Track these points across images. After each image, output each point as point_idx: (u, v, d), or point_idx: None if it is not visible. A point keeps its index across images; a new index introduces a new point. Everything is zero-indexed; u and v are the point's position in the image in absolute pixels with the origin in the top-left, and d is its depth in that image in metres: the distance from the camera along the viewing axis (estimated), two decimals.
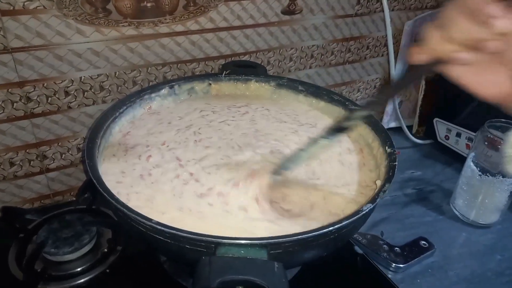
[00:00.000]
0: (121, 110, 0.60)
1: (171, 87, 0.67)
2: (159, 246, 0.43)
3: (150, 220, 0.40)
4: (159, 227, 0.40)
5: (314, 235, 0.40)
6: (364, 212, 0.42)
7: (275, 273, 0.37)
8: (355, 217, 0.42)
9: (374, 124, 0.60)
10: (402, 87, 0.47)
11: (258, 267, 0.37)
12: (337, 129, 0.46)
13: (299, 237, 0.39)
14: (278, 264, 0.37)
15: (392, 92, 0.52)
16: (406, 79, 0.49)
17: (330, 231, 0.40)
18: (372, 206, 0.43)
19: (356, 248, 0.64)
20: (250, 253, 0.38)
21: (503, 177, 0.67)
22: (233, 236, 0.39)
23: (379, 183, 0.50)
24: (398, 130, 0.96)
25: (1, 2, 0.55)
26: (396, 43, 0.89)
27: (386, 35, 0.86)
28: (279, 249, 0.40)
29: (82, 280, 0.55)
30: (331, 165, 0.57)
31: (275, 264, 0.37)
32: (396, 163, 0.50)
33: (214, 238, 0.39)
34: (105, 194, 0.43)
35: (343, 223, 0.41)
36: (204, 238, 0.39)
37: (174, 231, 0.39)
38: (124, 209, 0.41)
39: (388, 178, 0.48)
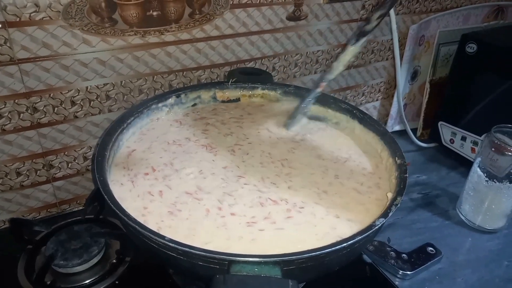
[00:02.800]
0: (129, 121, 0.60)
1: (178, 96, 0.66)
2: (171, 262, 0.43)
3: (163, 237, 0.40)
4: (172, 245, 0.40)
5: (327, 252, 0.40)
6: (377, 227, 0.42)
7: None
8: (368, 232, 0.42)
9: (383, 133, 0.60)
10: None
11: (273, 285, 0.37)
12: (360, 34, 0.56)
13: (312, 254, 0.39)
14: (292, 281, 0.37)
15: None
16: None
17: (344, 247, 0.40)
18: (384, 221, 0.43)
19: (365, 257, 0.64)
20: (263, 271, 0.38)
21: (510, 183, 0.67)
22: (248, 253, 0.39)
23: (390, 195, 0.50)
24: (402, 133, 0.96)
25: (8, 14, 0.54)
26: (401, 46, 0.89)
27: (392, 39, 0.85)
28: (292, 265, 0.40)
29: None
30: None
31: (289, 282, 0.37)
32: (407, 175, 0.50)
33: (227, 255, 0.39)
34: (117, 210, 0.42)
35: (356, 239, 0.41)
36: (217, 255, 0.39)
37: (187, 249, 0.39)
38: (137, 226, 0.41)
39: (400, 191, 0.48)
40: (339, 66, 0.59)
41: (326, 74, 0.61)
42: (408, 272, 0.63)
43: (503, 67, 0.79)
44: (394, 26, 0.84)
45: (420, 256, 0.65)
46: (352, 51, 0.58)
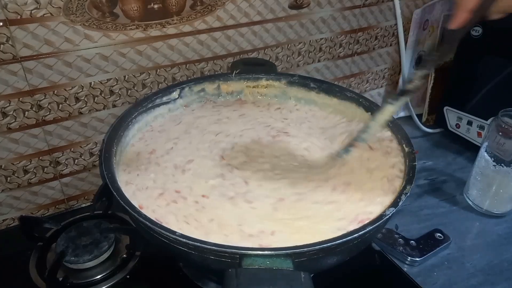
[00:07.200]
0: (134, 116, 0.60)
1: (182, 89, 0.66)
2: (183, 257, 0.44)
3: (174, 232, 0.40)
4: (183, 240, 0.40)
5: (338, 243, 0.40)
6: (387, 217, 0.42)
7: (302, 283, 0.37)
8: (379, 223, 0.42)
9: (391, 121, 0.60)
10: (452, 46, 0.49)
11: (285, 278, 0.37)
12: (401, 93, 0.51)
13: (323, 245, 0.39)
14: (304, 273, 0.37)
15: (446, 50, 0.50)
16: (455, 37, 0.49)
17: (354, 237, 0.40)
18: (394, 210, 0.43)
19: (374, 245, 0.64)
20: (275, 263, 0.38)
21: None
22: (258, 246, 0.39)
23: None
24: (407, 119, 0.95)
25: (9, 11, 0.54)
26: (405, 32, 0.88)
27: (396, 25, 0.84)
28: (304, 257, 0.40)
29: (104, 287, 0.56)
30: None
31: (301, 274, 0.37)
32: (416, 163, 0.50)
33: (239, 249, 0.39)
34: (126, 207, 0.43)
35: (367, 229, 0.41)
36: (228, 249, 0.39)
37: (198, 243, 0.39)
38: (148, 223, 0.41)
39: (409, 180, 0.47)
40: (375, 126, 0.53)
41: (361, 133, 0.55)
42: (417, 259, 0.63)
43: (509, 50, 0.78)
44: (398, 11, 0.83)
45: (428, 242, 0.65)
46: (390, 110, 0.52)
